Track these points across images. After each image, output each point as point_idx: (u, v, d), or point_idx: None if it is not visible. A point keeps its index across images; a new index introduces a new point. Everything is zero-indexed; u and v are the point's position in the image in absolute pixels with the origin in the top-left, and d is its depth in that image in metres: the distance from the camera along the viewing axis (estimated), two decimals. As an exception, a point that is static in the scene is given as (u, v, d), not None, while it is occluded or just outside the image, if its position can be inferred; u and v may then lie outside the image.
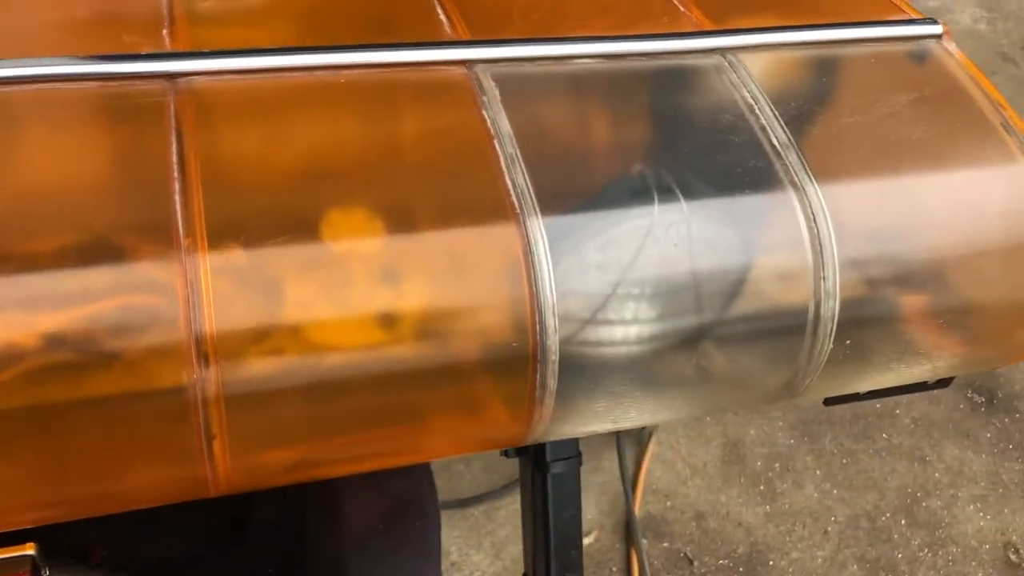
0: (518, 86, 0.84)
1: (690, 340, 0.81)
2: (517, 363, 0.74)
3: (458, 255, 0.74)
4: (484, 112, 0.80)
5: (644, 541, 1.80)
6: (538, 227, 0.74)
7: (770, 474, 1.98)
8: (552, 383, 0.75)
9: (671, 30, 0.96)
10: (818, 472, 2.00)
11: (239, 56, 0.80)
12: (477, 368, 0.75)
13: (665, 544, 1.82)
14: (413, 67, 0.84)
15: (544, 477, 1.04)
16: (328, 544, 1.04)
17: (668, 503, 1.88)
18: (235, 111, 0.78)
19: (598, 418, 0.84)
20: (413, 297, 0.72)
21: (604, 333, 0.77)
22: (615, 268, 0.76)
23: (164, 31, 0.83)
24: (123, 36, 0.83)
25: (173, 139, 0.72)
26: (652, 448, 1.96)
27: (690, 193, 0.80)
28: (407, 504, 1.09)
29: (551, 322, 0.73)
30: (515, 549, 1.77)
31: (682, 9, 1.01)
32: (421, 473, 1.13)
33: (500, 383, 0.77)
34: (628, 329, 0.77)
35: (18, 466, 0.67)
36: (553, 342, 0.73)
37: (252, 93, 0.79)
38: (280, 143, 0.78)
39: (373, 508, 1.07)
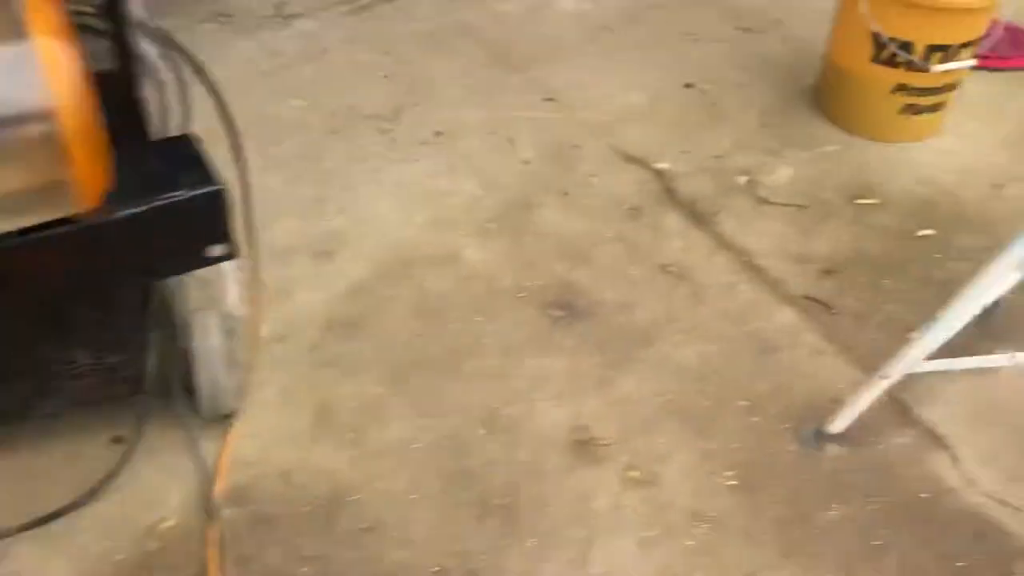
0: None
1: None
2: None
3: None
4: None
5: (226, 511, 1.96)
6: None
7: (360, 422, 2.17)
8: None
9: None
10: (406, 410, 2.21)
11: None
12: None
13: (251, 508, 1.98)
14: None
15: None
16: None
17: (254, 471, 2.04)
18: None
19: None
20: None
21: None
22: None
23: None
24: None
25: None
26: (238, 426, 2.12)
27: None
28: None
29: None
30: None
31: None
32: None
33: None
34: None
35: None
36: None
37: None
38: None
39: None
